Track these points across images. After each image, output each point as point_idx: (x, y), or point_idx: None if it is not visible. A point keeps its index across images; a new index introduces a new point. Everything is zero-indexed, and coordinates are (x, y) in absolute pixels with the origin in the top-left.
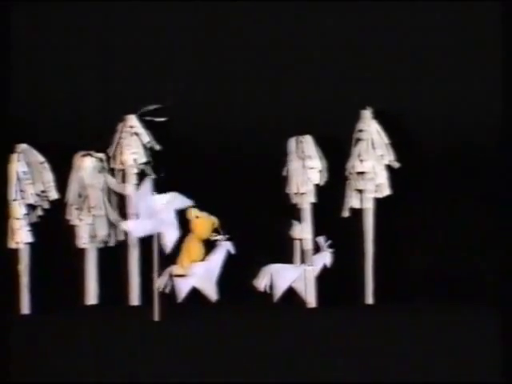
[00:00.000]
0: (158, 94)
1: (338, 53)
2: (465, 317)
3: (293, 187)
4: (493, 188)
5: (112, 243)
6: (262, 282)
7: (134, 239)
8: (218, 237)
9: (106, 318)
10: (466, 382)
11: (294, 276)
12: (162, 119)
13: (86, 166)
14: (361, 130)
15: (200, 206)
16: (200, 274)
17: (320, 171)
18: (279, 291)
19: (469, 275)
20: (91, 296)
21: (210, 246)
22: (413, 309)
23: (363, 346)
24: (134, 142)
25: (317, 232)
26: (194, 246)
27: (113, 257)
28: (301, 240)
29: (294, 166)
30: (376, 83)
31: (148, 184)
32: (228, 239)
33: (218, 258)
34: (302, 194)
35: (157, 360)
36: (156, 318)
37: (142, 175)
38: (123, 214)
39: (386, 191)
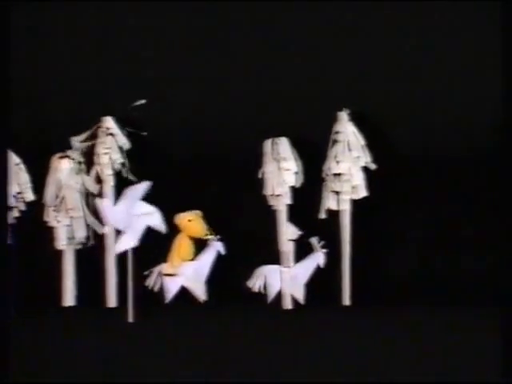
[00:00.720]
0: (136, 95)
1: (314, 54)
2: (449, 318)
3: (268, 189)
4: (473, 188)
5: (90, 244)
6: (256, 283)
7: (112, 240)
8: (210, 237)
9: (82, 320)
10: (465, 382)
11: (287, 277)
12: (144, 133)
13: (64, 167)
14: (337, 132)
15: (181, 208)
16: (189, 273)
17: (296, 173)
18: (273, 292)
19: (450, 275)
20: (68, 297)
21: (200, 245)
22: (390, 310)
23: (342, 348)
24: (109, 142)
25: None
26: (184, 245)
27: (90, 258)
28: (292, 240)
29: (269, 167)
30: (354, 84)
31: (108, 201)
32: (219, 240)
33: (207, 258)
34: (278, 195)
35: (134, 361)
36: (130, 319)
37: (118, 176)
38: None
39: (362, 193)
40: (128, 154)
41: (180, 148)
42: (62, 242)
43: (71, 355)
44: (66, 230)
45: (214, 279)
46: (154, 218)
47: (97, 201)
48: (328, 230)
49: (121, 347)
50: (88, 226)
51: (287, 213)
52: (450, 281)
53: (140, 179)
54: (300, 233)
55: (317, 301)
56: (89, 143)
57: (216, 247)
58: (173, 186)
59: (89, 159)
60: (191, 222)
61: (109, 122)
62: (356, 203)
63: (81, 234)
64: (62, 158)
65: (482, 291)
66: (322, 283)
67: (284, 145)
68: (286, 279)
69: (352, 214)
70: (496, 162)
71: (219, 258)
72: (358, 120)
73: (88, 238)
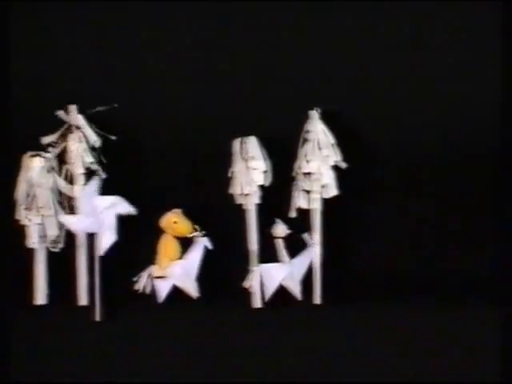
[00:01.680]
0: (108, 93)
1: (285, 54)
2: (449, 318)
3: (237, 188)
4: (446, 187)
5: (62, 244)
6: (252, 282)
7: (82, 239)
8: (195, 233)
9: (53, 318)
10: (465, 383)
11: (283, 275)
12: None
13: (35, 166)
14: (308, 131)
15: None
16: (179, 272)
17: (264, 172)
18: (270, 291)
19: (425, 274)
20: (40, 296)
21: (186, 243)
22: (360, 309)
23: (312, 346)
24: (79, 141)
25: (264, 232)
26: (170, 246)
27: (61, 257)
28: (283, 238)
29: (237, 167)
30: (325, 84)
31: (94, 183)
32: (204, 235)
33: (195, 255)
34: (247, 194)
35: (104, 359)
36: (97, 318)
37: (89, 175)
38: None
39: (332, 191)
40: (101, 152)
41: (151, 147)
42: (33, 240)
43: (41, 353)
44: (38, 228)
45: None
46: (108, 235)
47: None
48: (299, 228)
49: (87, 346)
50: (60, 224)
51: (257, 211)
52: (424, 280)
53: (113, 176)
54: (289, 231)
55: (288, 300)
56: (60, 142)
57: (202, 243)
58: (143, 183)
59: (60, 158)
60: (177, 223)
61: (79, 121)
62: (327, 202)
63: (52, 232)
64: (33, 156)
65: (482, 291)
66: None
67: (252, 144)
68: (256, 278)
69: (323, 213)
70: (468, 161)
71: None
72: (329, 119)
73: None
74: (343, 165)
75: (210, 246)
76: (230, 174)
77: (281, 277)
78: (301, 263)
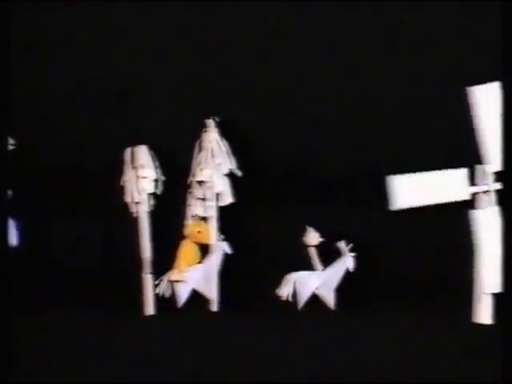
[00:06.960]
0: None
1: (185, 60)
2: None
3: (128, 196)
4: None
5: None
6: (285, 290)
7: None
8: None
9: None
10: (465, 383)
11: (318, 283)
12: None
13: None
14: (203, 140)
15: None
16: (198, 277)
17: (155, 180)
18: (303, 299)
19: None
20: None
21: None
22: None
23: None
24: None
25: (158, 240)
26: (190, 251)
27: None
28: (315, 246)
29: (128, 175)
30: (223, 92)
31: None
32: (224, 240)
33: (214, 260)
34: (137, 203)
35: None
36: None
37: None
38: None
39: (227, 199)
40: None
41: (47, 157)
42: None
43: None
44: None
45: None
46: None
47: None
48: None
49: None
50: None
51: (149, 219)
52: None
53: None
54: (321, 239)
55: (192, 304)
56: None
57: (221, 247)
58: (40, 194)
59: None
60: (200, 232)
61: None
62: (223, 209)
63: None
64: None
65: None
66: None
67: (142, 153)
68: (147, 286)
69: (219, 221)
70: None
71: None
72: (226, 127)
73: None
74: (239, 173)
75: (228, 251)
76: (121, 183)
77: (315, 285)
78: (335, 272)
